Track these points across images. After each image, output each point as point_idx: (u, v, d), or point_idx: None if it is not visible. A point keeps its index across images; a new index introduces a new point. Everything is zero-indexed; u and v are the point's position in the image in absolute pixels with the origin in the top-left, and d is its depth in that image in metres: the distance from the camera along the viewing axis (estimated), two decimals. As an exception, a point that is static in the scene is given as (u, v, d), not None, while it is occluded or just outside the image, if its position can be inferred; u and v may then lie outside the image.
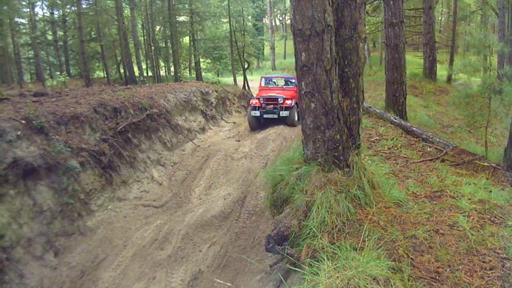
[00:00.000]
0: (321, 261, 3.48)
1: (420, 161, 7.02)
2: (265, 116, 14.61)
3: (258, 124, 15.09)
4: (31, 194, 6.19)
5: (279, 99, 14.66)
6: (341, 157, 4.69)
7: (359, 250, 3.66)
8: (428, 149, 7.82)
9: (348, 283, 3.11)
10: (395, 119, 9.33)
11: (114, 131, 8.76)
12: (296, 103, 14.36)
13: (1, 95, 8.35)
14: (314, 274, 3.30)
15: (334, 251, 3.66)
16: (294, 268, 3.85)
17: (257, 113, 14.66)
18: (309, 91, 4.57)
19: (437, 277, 3.60)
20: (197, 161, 10.75)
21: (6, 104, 7.46)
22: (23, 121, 6.65)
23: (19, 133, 6.37)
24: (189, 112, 14.02)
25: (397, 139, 7.96)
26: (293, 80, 15.92)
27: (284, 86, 16.34)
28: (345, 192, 4.40)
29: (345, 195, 4.36)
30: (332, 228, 4.04)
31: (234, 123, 16.16)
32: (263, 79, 16.89)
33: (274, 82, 17.00)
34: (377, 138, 8.08)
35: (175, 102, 13.15)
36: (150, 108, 10.81)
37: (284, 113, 14.42)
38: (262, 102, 14.79)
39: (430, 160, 7.12)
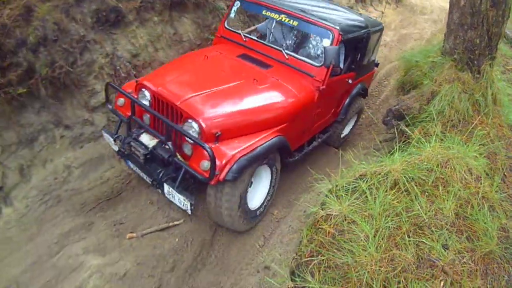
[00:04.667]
0: (430, 142, 3.91)
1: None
2: (130, 164, 4.24)
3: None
4: (173, 24, 6.48)
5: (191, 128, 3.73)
6: (475, 62, 4.83)
7: (464, 145, 4.03)
8: None
9: (447, 161, 3.56)
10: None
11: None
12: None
13: None
14: (421, 146, 3.79)
15: (443, 138, 4.07)
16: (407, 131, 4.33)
17: (111, 142, 4.33)
18: None
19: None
20: (338, 35, 10.63)
21: None
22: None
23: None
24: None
25: (534, 74, 7.62)
26: (330, 34, 4.60)
27: (287, 53, 4.79)
28: (469, 94, 4.64)
29: (468, 96, 4.61)
30: (448, 121, 4.40)
31: (382, 12, 14.04)
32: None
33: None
34: (514, 67, 7.78)
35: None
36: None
37: (176, 198, 3.77)
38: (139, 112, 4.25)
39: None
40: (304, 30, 5.21)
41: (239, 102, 4.05)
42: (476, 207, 3.41)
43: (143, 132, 4.08)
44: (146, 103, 4.12)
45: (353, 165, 3.71)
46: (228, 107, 3.92)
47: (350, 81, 5.35)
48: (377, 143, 5.30)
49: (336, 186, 3.45)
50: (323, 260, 2.96)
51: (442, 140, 4.01)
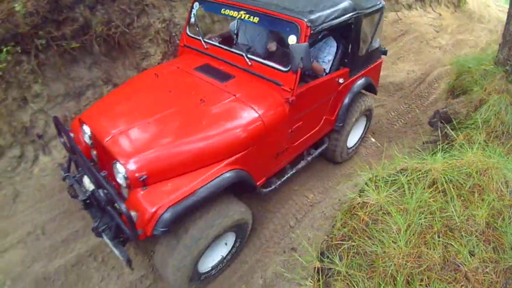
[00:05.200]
0: (472, 149, 3.91)
1: None
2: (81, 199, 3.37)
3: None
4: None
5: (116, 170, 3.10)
6: None
7: (505, 157, 4.01)
8: None
9: (486, 169, 3.57)
10: None
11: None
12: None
13: None
14: (463, 151, 3.80)
15: (485, 147, 4.06)
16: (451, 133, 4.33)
17: (62, 173, 3.81)
18: None
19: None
20: (394, 31, 10.69)
21: None
22: None
23: None
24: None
25: None
26: (296, 28, 3.66)
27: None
28: (516, 108, 4.62)
29: (515, 110, 4.59)
30: (492, 131, 4.40)
31: (440, 14, 14.00)
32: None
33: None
34: None
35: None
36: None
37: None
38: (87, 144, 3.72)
39: None
40: (267, 28, 4.35)
41: (174, 134, 3.26)
42: (507, 220, 3.38)
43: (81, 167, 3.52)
44: (88, 140, 3.61)
45: (396, 159, 3.75)
46: (157, 143, 3.16)
47: (341, 80, 4.41)
48: (421, 143, 5.29)
49: (376, 176, 3.51)
50: (353, 245, 3.03)
51: (484, 148, 4.01)
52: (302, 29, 3.60)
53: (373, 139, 5.93)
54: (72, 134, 3.65)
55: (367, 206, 3.20)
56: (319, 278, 2.95)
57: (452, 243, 3.09)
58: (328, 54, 4.43)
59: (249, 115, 3.51)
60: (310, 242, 3.33)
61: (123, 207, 2.73)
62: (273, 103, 3.69)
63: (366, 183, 3.47)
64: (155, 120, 3.35)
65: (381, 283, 2.79)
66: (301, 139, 4.24)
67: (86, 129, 3.52)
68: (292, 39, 3.61)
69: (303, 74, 3.75)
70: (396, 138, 6.19)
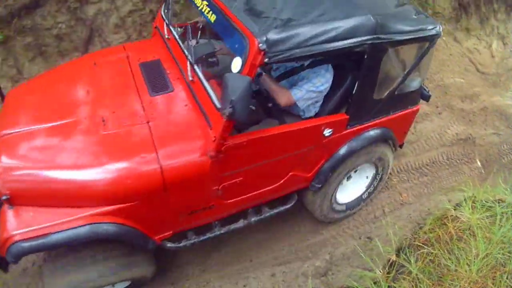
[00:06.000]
0: None
1: None
2: None
3: None
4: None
5: None
6: None
7: None
8: None
9: None
10: None
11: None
12: None
13: None
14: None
15: None
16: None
17: None
18: None
19: None
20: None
21: None
22: None
23: None
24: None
25: None
26: (244, 46, 2.30)
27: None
28: None
29: None
30: None
31: None
32: None
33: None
34: None
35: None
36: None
37: None
38: None
39: None
40: (220, 34, 2.82)
41: (52, 155, 2.57)
42: None
43: None
44: None
45: (498, 187, 3.76)
46: (32, 160, 2.55)
47: (327, 132, 3.01)
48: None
49: (475, 197, 3.54)
50: (431, 253, 3.11)
51: None
52: (251, 52, 2.27)
53: (479, 164, 5.82)
54: None
55: (458, 221, 3.26)
56: (389, 271, 3.07)
57: (515, 290, 3.10)
58: (323, 79, 3.01)
59: (145, 158, 2.54)
60: (395, 232, 3.42)
61: None
62: (190, 149, 2.60)
63: (464, 199, 3.52)
64: (48, 129, 2.71)
65: (442, 298, 2.87)
66: (241, 197, 3.07)
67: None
68: (236, 65, 2.35)
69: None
70: (501, 171, 5.96)
